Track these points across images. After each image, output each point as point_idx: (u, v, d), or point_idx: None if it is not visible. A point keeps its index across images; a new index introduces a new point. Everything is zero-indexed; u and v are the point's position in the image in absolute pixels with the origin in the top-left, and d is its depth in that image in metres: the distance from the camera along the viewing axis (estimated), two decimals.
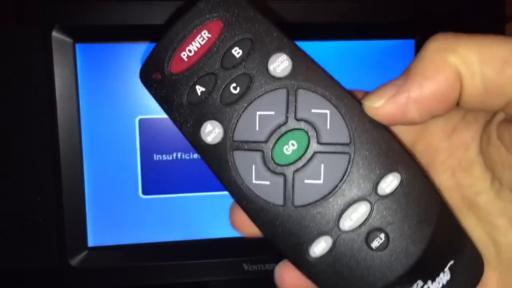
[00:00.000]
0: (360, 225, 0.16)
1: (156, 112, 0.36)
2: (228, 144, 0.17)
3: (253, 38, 0.17)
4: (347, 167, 0.17)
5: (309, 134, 0.17)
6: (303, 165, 0.17)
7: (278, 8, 0.35)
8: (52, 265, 0.35)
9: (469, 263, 0.17)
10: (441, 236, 0.17)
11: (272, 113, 0.17)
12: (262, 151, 0.17)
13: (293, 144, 0.17)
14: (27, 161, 0.34)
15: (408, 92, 0.15)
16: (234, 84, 0.17)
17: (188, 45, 0.17)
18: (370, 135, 0.17)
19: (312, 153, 0.17)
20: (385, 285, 0.16)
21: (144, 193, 0.37)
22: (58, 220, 0.35)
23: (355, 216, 0.16)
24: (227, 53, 0.17)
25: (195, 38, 0.17)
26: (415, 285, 0.16)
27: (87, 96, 0.35)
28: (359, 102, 0.17)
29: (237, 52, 0.17)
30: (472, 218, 0.18)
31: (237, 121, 0.17)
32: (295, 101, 0.17)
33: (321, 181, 0.17)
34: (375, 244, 0.16)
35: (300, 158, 0.17)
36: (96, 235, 0.37)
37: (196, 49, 0.17)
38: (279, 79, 0.17)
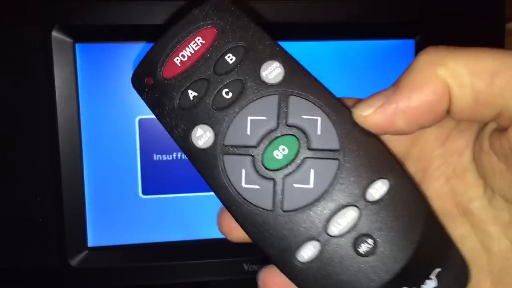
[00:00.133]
0: (348, 231, 0.17)
1: None
2: (218, 148, 0.17)
3: (246, 46, 0.17)
4: (336, 173, 0.17)
5: (300, 139, 0.17)
6: (293, 170, 0.17)
7: (278, 8, 0.35)
8: (52, 265, 0.35)
9: (455, 271, 0.17)
10: (428, 243, 0.17)
11: (264, 118, 0.17)
12: (252, 155, 0.17)
13: (283, 149, 0.17)
14: (27, 161, 0.34)
15: (397, 102, 0.16)
16: (226, 90, 0.17)
17: (182, 51, 0.17)
18: (359, 142, 0.17)
19: (302, 158, 0.17)
20: None
21: (144, 193, 0.37)
22: (58, 220, 0.35)
23: (343, 222, 0.16)
24: (220, 59, 0.17)
25: (189, 44, 0.17)
26: None
27: (87, 96, 0.35)
28: (349, 110, 0.17)
29: (230, 58, 0.17)
30: (466, 225, 0.18)
31: (228, 125, 0.17)
32: (287, 107, 0.17)
33: (310, 186, 0.17)
34: (362, 249, 0.16)
35: (290, 163, 0.17)
36: (96, 235, 0.37)
37: (189, 55, 0.17)
38: (271, 85, 0.17)
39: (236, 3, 0.18)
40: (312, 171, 0.17)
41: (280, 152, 0.17)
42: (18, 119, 0.34)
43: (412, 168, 0.19)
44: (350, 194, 0.17)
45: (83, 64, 0.35)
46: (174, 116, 0.18)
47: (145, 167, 0.37)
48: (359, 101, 0.17)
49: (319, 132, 0.17)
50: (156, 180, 0.37)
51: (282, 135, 0.17)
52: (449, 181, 0.18)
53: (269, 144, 0.17)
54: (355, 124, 0.17)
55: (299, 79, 0.17)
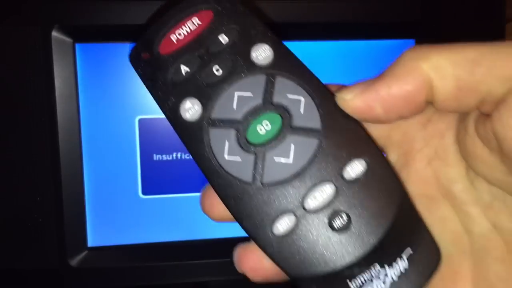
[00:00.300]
0: (324, 206, 0.17)
1: (156, 112, 0.36)
2: (205, 121, 0.18)
3: (239, 29, 0.18)
4: (316, 151, 0.17)
5: (283, 117, 0.18)
6: (274, 145, 0.17)
7: (278, 8, 0.35)
8: (51, 265, 0.35)
9: (426, 254, 0.18)
10: (400, 224, 0.17)
11: (250, 95, 0.18)
12: (236, 129, 0.18)
13: (266, 125, 0.17)
14: (27, 161, 0.34)
15: (377, 90, 0.17)
16: (217, 67, 0.18)
17: (178, 29, 0.18)
18: (340, 124, 0.18)
19: (284, 134, 0.17)
20: (344, 265, 0.17)
21: (144, 193, 0.37)
22: (57, 220, 0.35)
23: (319, 196, 0.17)
24: (214, 40, 0.18)
25: (186, 23, 0.18)
26: (372, 267, 0.17)
27: (87, 96, 0.35)
28: (333, 94, 0.18)
29: (223, 39, 0.18)
30: (448, 207, 0.18)
31: (216, 100, 0.18)
32: (273, 87, 0.18)
33: (290, 161, 0.17)
34: (337, 225, 0.17)
35: (272, 139, 0.17)
36: (96, 235, 0.37)
37: (185, 34, 0.18)
38: (260, 66, 0.18)
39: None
40: (292, 146, 0.17)
41: (263, 127, 0.17)
42: (18, 119, 0.34)
43: (395, 152, 0.19)
44: (328, 172, 0.17)
45: (83, 64, 0.35)
46: (165, 89, 0.18)
47: (145, 167, 0.37)
48: (342, 87, 0.18)
49: (302, 112, 0.18)
50: (156, 180, 0.37)
51: (267, 112, 0.18)
52: (431, 163, 0.18)
53: (253, 119, 0.18)
54: (337, 108, 0.18)
55: (287, 62, 0.18)
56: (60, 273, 0.36)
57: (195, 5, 0.18)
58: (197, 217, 0.38)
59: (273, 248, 0.17)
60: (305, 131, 0.17)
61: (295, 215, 0.17)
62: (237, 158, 0.17)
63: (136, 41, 0.19)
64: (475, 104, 0.16)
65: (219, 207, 0.18)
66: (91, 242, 0.37)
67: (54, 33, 0.34)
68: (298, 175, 0.17)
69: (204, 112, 0.18)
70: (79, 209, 0.36)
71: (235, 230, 0.38)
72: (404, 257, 0.17)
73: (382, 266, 0.17)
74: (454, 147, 0.18)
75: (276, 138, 0.17)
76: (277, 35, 0.18)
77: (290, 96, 0.18)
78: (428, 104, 0.17)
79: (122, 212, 0.37)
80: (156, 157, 0.37)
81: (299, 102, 0.18)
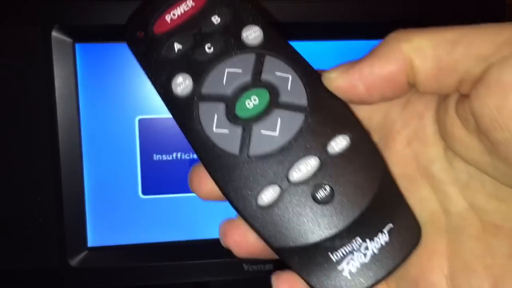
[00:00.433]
0: (308, 179, 0.18)
1: (156, 112, 0.36)
2: (195, 96, 0.18)
3: (232, 12, 0.19)
4: (302, 126, 0.18)
5: (271, 93, 0.18)
6: (262, 119, 0.18)
7: (277, 8, 0.35)
8: (51, 265, 0.35)
9: (407, 230, 0.18)
10: (382, 199, 0.18)
11: (240, 71, 0.18)
12: (225, 103, 0.18)
13: (255, 100, 0.18)
14: (27, 161, 0.34)
15: (360, 69, 0.17)
16: (208, 45, 0.19)
17: (173, 10, 0.19)
18: (325, 102, 0.18)
19: (271, 109, 0.18)
20: (325, 237, 0.17)
21: (144, 193, 0.37)
22: (57, 220, 0.35)
23: (304, 168, 0.17)
24: (207, 20, 0.19)
25: (180, 5, 0.19)
26: (354, 241, 0.17)
27: (87, 96, 0.35)
28: (320, 75, 0.19)
29: (216, 19, 0.19)
30: (426, 187, 0.19)
31: (207, 75, 0.18)
32: (262, 65, 0.18)
33: (276, 134, 0.18)
34: (320, 196, 0.17)
35: (259, 113, 0.18)
36: (96, 235, 0.37)
37: (180, 14, 0.19)
38: (250, 46, 0.19)
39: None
40: (279, 120, 0.18)
41: (252, 102, 0.18)
42: (18, 119, 0.34)
43: (376, 134, 0.20)
44: (312, 146, 0.18)
45: (83, 64, 0.35)
46: (158, 66, 0.19)
47: (145, 167, 0.37)
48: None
49: (289, 88, 0.18)
50: (156, 180, 0.37)
51: (255, 88, 0.18)
52: (410, 144, 0.19)
53: (242, 94, 0.18)
54: (323, 87, 0.18)
55: (276, 43, 0.19)
56: (60, 273, 0.36)
57: None
58: (197, 217, 0.38)
59: (257, 219, 0.18)
60: (292, 107, 0.18)
61: (280, 187, 0.18)
62: (225, 131, 0.18)
63: (130, 20, 0.20)
64: (455, 84, 0.16)
65: (207, 183, 0.19)
66: (91, 242, 0.37)
67: (54, 33, 0.34)
68: (283, 148, 0.18)
69: (195, 87, 0.18)
70: (79, 209, 0.36)
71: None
72: (385, 231, 0.18)
73: (363, 240, 0.18)
74: (433, 127, 0.18)
75: (263, 113, 0.18)
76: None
77: (279, 73, 0.18)
78: (410, 87, 0.17)
79: (122, 212, 0.37)
80: (156, 157, 0.37)
81: (287, 80, 0.18)
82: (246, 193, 0.18)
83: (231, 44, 0.19)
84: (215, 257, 0.37)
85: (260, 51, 0.18)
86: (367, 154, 0.18)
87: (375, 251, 0.18)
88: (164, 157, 0.37)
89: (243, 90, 0.18)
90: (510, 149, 0.15)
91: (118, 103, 0.36)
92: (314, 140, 0.18)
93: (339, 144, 0.18)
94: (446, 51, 0.16)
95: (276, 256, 0.18)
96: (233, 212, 0.18)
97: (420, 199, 0.19)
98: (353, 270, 0.17)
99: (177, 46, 0.19)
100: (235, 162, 0.18)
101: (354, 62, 0.18)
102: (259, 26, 0.19)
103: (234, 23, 0.19)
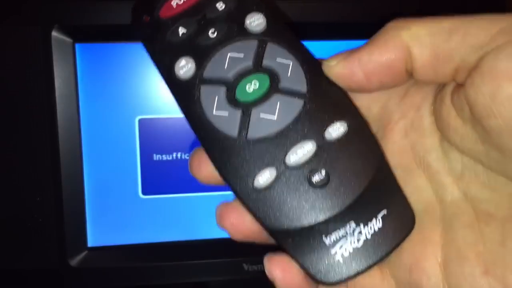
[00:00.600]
0: (304, 162, 0.18)
1: (156, 112, 0.36)
2: (197, 80, 0.19)
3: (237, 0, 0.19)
4: (300, 111, 0.18)
5: (271, 79, 0.18)
6: (261, 102, 0.18)
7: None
8: (51, 265, 0.35)
9: (401, 217, 0.18)
10: (377, 186, 0.18)
11: (241, 56, 0.19)
12: (226, 87, 0.19)
13: (255, 84, 0.18)
14: (27, 161, 0.34)
15: (359, 56, 0.18)
16: (212, 30, 0.19)
17: None
18: (324, 89, 0.19)
19: (271, 94, 0.18)
20: (319, 221, 0.18)
21: (144, 193, 0.37)
22: (57, 220, 0.35)
23: (300, 152, 0.18)
24: (212, 6, 0.19)
25: None
26: (347, 225, 0.18)
27: (87, 96, 0.35)
28: (320, 63, 0.19)
29: (220, 6, 0.19)
30: (422, 177, 0.19)
31: (209, 59, 0.19)
32: (264, 51, 0.19)
33: (274, 117, 0.18)
34: (315, 180, 0.18)
35: (259, 97, 0.18)
36: (96, 235, 0.37)
37: (185, 0, 0.20)
38: (253, 33, 0.19)
39: None
40: (278, 104, 0.18)
41: (252, 86, 0.18)
42: (18, 119, 0.34)
43: (375, 125, 0.20)
44: (310, 131, 0.18)
45: (83, 64, 0.35)
46: (162, 49, 0.19)
47: (145, 167, 0.37)
48: None
49: (289, 75, 0.18)
50: (156, 180, 0.37)
51: (256, 72, 0.19)
52: (407, 134, 0.19)
53: (242, 78, 0.18)
54: (323, 75, 0.19)
55: (279, 31, 0.19)
56: (60, 273, 0.36)
57: None
58: (197, 217, 0.38)
59: (253, 201, 0.18)
60: (292, 92, 0.18)
61: (276, 170, 0.18)
62: (225, 113, 0.18)
63: (137, 5, 0.20)
64: (451, 72, 0.17)
65: (207, 167, 0.19)
66: (91, 242, 0.37)
67: (54, 33, 0.34)
68: (281, 132, 0.18)
69: (197, 70, 0.19)
70: (79, 209, 0.36)
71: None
72: (379, 217, 0.18)
73: (357, 224, 0.18)
74: (430, 118, 0.19)
75: (263, 97, 0.18)
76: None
77: (280, 60, 0.19)
78: (408, 75, 0.18)
79: (122, 212, 0.37)
80: (156, 157, 0.37)
81: (288, 66, 0.19)
82: (243, 174, 0.18)
83: (234, 30, 0.19)
84: (215, 257, 0.37)
85: (263, 38, 0.19)
86: (364, 141, 0.18)
87: (368, 236, 0.18)
88: (164, 157, 0.37)
89: (244, 74, 0.18)
90: (503, 136, 0.15)
91: (118, 103, 0.36)
92: (312, 126, 0.18)
93: (336, 130, 0.18)
94: (443, 40, 0.16)
95: (271, 241, 0.19)
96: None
97: (415, 188, 0.19)
98: (346, 254, 0.18)
99: (181, 31, 0.19)
100: (233, 145, 0.18)
101: (353, 50, 0.18)
102: (262, 13, 0.19)
103: (238, 10, 0.19)
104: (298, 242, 0.18)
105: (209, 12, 0.19)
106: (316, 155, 0.18)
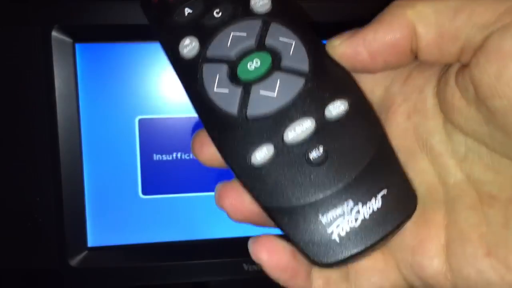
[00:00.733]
0: (303, 140, 0.18)
1: (156, 112, 0.36)
2: (201, 59, 0.19)
3: None
4: (301, 89, 0.18)
5: (273, 57, 0.18)
6: (262, 80, 0.18)
7: None
8: (51, 265, 0.35)
9: (401, 198, 0.18)
10: (377, 166, 0.18)
11: (244, 35, 0.19)
12: (228, 65, 0.19)
13: (257, 62, 0.18)
14: (27, 161, 0.34)
15: (364, 35, 0.17)
16: (217, 10, 0.19)
17: None
18: (327, 68, 0.18)
19: (272, 72, 0.18)
20: (317, 199, 0.17)
21: (144, 193, 0.37)
22: (57, 220, 0.35)
23: (299, 129, 0.17)
24: None
25: None
26: (345, 203, 0.17)
27: (87, 96, 0.35)
28: (323, 44, 0.19)
29: None
30: (425, 160, 0.19)
31: (213, 39, 0.19)
32: (267, 31, 0.19)
33: (274, 95, 0.18)
34: (313, 157, 0.17)
35: (260, 75, 0.18)
36: (96, 235, 0.37)
37: None
38: (258, 13, 0.19)
39: None
40: (278, 82, 0.18)
41: (253, 64, 0.18)
42: (18, 119, 0.34)
43: (378, 108, 0.20)
44: (310, 109, 0.18)
45: (83, 64, 0.35)
46: (169, 29, 0.20)
47: (145, 167, 0.37)
48: None
49: (291, 54, 0.18)
50: (156, 180, 0.37)
51: (258, 51, 0.19)
52: (410, 117, 0.19)
53: (244, 57, 0.19)
54: (327, 54, 0.19)
55: (284, 13, 0.19)
56: (60, 273, 0.36)
57: None
58: (197, 217, 0.38)
59: (250, 178, 0.18)
60: (293, 71, 0.18)
61: (274, 147, 0.18)
62: (225, 91, 0.18)
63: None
64: (456, 52, 0.16)
65: (208, 148, 0.19)
66: (91, 242, 0.37)
67: (54, 33, 0.34)
68: (281, 110, 0.18)
69: (201, 49, 0.19)
70: (79, 209, 0.36)
71: (235, 230, 0.38)
72: (379, 197, 0.17)
73: (355, 203, 0.17)
74: (433, 101, 0.18)
75: (264, 75, 0.18)
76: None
77: (282, 39, 0.19)
78: (413, 55, 0.17)
79: (122, 212, 0.37)
80: (156, 157, 0.37)
81: (290, 45, 0.18)
82: (241, 151, 0.18)
83: (239, 10, 0.19)
84: (215, 257, 0.37)
85: (267, 18, 0.19)
86: (365, 120, 0.18)
87: (366, 216, 0.17)
88: (164, 157, 0.37)
89: (246, 53, 0.19)
90: (507, 117, 0.15)
91: (118, 103, 0.36)
92: (312, 103, 0.18)
93: (337, 108, 0.18)
94: (449, 18, 0.16)
95: (270, 224, 0.18)
96: None
97: (419, 171, 0.19)
98: (342, 233, 0.17)
99: (187, 11, 0.19)
100: (233, 122, 0.18)
101: (358, 29, 0.18)
102: None
103: None
104: (293, 220, 0.17)
105: None
106: (315, 132, 0.17)
